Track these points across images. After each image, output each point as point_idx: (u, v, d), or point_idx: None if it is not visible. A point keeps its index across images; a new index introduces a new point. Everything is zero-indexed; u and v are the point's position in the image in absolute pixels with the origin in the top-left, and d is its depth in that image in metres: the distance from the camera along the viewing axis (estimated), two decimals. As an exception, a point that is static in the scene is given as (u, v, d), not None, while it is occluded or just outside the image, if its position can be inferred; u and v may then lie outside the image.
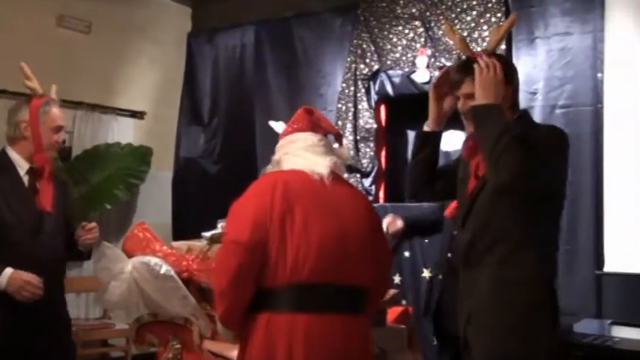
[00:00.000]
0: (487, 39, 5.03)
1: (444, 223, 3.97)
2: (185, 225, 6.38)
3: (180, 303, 3.43)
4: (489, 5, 5.12)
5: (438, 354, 4.20)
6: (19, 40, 5.56)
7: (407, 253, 5.23)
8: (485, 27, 5.10)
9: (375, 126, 5.71)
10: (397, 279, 5.19)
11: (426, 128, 2.73)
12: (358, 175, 5.67)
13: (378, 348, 3.09)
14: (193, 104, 7.00)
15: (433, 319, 3.93)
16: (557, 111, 4.79)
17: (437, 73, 5.27)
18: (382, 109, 5.86)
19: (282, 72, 6.36)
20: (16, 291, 2.94)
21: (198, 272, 3.45)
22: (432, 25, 5.41)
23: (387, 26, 5.64)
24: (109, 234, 5.79)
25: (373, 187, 5.71)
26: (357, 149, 5.68)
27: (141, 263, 3.44)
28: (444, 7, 5.35)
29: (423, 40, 5.43)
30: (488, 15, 5.10)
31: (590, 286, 4.49)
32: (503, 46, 4.66)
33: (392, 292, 3.57)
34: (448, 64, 5.25)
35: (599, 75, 4.66)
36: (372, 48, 5.69)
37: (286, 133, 2.57)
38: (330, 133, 2.60)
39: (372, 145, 5.71)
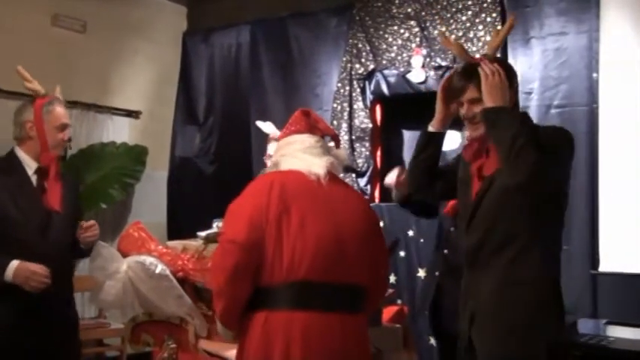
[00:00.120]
0: (482, 39, 5.05)
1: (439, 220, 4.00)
2: (180, 224, 6.37)
3: (176, 302, 3.43)
4: (485, 5, 5.12)
5: (437, 353, 4.20)
6: (14, 39, 5.55)
7: (402, 253, 5.24)
8: (480, 27, 5.10)
9: (370, 126, 5.71)
10: (392, 279, 5.19)
11: (430, 128, 2.72)
12: (353, 175, 5.67)
13: (373, 347, 3.09)
14: (189, 104, 6.99)
15: (430, 318, 3.92)
16: (553, 111, 4.80)
17: (432, 73, 5.32)
18: (377, 108, 5.86)
19: (277, 71, 6.35)
20: (23, 282, 2.97)
21: (193, 272, 3.45)
22: (428, 24, 5.41)
23: (383, 26, 5.64)
24: (104, 233, 5.70)
25: (368, 186, 5.71)
26: (352, 149, 5.68)
27: (136, 263, 3.44)
28: (439, 6, 5.36)
29: (418, 39, 5.43)
30: (483, 15, 5.11)
31: (585, 286, 4.50)
32: (498, 46, 4.66)
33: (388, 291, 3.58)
34: (444, 64, 5.27)
35: (595, 75, 4.67)
36: (368, 48, 5.69)
37: (284, 135, 2.59)
38: (327, 135, 2.62)
39: (367, 144, 5.71)
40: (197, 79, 6.95)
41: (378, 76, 5.65)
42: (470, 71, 2.51)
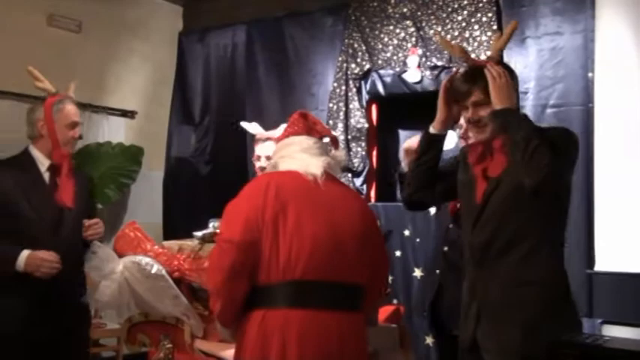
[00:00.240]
0: (478, 38, 5.06)
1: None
2: (176, 224, 6.36)
3: (172, 303, 3.43)
4: (480, 5, 5.12)
5: (436, 351, 4.20)
6: (9, 39, 5.52)
7: (398, 253, 5.24)
8: (476, 27, 5.10)
9: (366, 125, 5.71)
10: (389, 278, 5.19)
11: (432, 130, 2.72)
12: (349, 175, 5.67)
13: (370, 347, 3.09)
14: (184, 103, 6.98)
15: (429, 315, 3.91)
16: (548, 110, 4.80)
17: (428, 73, 5.33)
18: (373, 108, 5.86)
19: (273, 71, 6.35)
20: (35, 269, 3.06)
21: (189, 272, 3.45)
22: (424, 24, 5.41)
23: (379, 26, 5.64)
24: (99, 234, 5.77)
25: (364, 186, 5.71)
26: (348, 149, 5.68)
27: (132, 263, 3.45)
28: (435, 6, 5.35)
29: (414, 39, 5.43)
30: (479, 15, 5.11)
31: (580, 285, 4.49)
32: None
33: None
34: (440, 63, 5.27)
35: (590, 74, 4.67)
36: (364, 47, 5.69)
37: (282, 137, 2.62)
38: (325, 136, 2.64)
39: (363, 144, 5.71)
40: (193, 79, 6.94)
41: (374, 75, 5.65)
42: (474, 74, 2.52)
